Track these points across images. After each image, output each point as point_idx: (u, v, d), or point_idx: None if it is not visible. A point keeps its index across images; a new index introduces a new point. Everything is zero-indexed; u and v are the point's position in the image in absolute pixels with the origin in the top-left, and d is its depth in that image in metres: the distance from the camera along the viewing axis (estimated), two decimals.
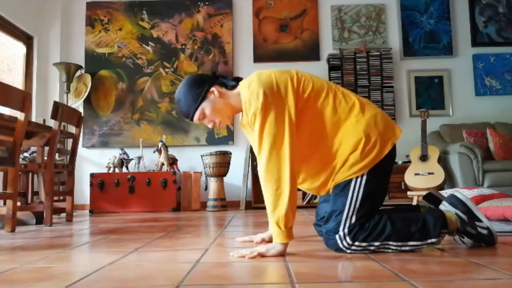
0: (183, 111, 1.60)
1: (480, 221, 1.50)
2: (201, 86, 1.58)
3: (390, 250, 1.45)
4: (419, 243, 1.43)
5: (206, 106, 1.58)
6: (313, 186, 1.61)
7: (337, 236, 1.44)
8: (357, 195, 1.45)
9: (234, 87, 1.62)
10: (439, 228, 1.43)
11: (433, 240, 1.43)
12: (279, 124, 1.44)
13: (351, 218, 1.44)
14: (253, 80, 1.51)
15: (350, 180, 1.47)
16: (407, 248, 1.44)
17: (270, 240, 1.74)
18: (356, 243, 1.43)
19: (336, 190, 1.50)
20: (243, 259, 1.38)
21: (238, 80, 1.65)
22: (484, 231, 1.50)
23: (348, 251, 1.44)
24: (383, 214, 1.47)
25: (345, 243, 1.43)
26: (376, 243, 1.43)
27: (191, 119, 1.60)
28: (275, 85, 1.49)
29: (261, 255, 1.40)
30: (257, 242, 1.77)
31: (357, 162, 1.46)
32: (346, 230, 1.43)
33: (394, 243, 1.43)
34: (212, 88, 1.58)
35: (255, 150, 1.54)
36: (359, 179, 1.46)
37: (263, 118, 1.44)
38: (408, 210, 1.62)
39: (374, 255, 1.38)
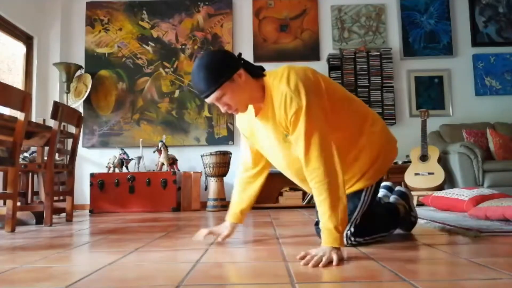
0: (201, 85, 1.39)
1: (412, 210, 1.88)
2: (230, 64, 1.40)
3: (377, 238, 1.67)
4: (396, 227, 1.80)
5: (228, 87, 1.39)
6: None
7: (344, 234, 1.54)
8: (367, 200, 1.59)
9: (258, 76, 1.49)
10: (404, 213, 1.84)
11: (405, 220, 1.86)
12: (323, 123, 1.38)
13: (357, 220, 1.58)
14: (291, 75, 1.42)
15: (363, 189, 1.60)
16: (387, 233, 1.73)
17: (229, 234, 1.78)
18: (357, 239, 1.59)
19: (349, 194, 1.58)
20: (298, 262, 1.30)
21: (262, 69, 1.52)
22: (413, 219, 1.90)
23: (347, 245, 1.59)
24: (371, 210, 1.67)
25: (348, 240, 1.58)
26: (368, 237, 1.62)
27: (206, 97, 1.41)
28: (313, 84, 1.42)
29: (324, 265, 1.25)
30: (221, 238, 1.76)
31: (375, 174, 1.60)
32: (352, 229, 1.57)
33: (382, 234, 1.68)
34: (241, 71, 1.42)
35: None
36: (369, 188, 1.61)
37: (308, 117, 1.36)
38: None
39: (374, 255, 1.39)
